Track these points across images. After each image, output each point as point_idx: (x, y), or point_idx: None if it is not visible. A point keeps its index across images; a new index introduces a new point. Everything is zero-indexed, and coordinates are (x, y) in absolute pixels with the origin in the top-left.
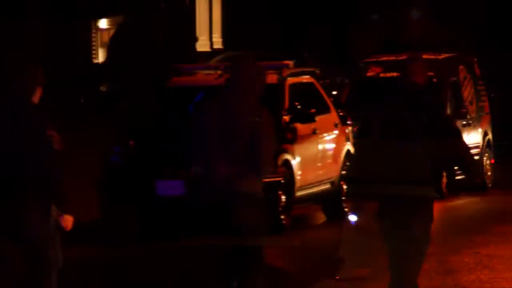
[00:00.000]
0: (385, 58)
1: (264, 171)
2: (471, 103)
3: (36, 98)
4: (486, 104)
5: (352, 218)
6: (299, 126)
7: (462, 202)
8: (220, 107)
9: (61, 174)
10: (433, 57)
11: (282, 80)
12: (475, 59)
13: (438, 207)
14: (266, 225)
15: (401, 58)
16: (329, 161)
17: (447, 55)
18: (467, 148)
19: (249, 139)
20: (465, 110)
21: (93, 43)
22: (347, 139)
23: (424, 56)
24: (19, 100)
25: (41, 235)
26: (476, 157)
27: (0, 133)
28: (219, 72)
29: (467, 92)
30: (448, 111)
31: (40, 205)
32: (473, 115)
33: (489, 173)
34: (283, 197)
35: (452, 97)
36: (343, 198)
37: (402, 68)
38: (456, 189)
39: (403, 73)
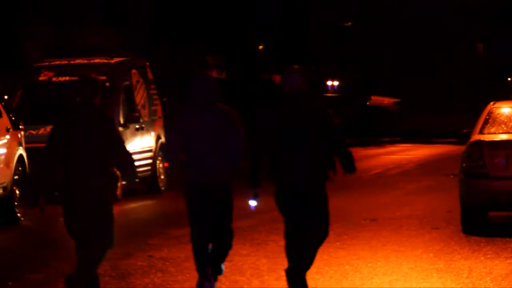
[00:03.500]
0: (57, 62)
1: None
2: (144, 107)
3: None
4: (159, 108)
5: (252, 203)
6: None
7: (137, 205)
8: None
9: None
10: (105, 61)
11: None
12: (147, 63)
13: None
14: None
15: (74, 62)
16: (1, 166)
17: (119, 59)
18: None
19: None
20: (137, 114)
21: None
22: (20, 144)
23: (97, 61)
24: None
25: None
26: (149, 161)
27: None
28: None
29: (140, 96)
30: (121, 116)
31: None
32: (146, 119)
33: (162, 177)
34: None
35: (125, 101)
36: (16, 203)
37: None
38: (131, 192)
39: None
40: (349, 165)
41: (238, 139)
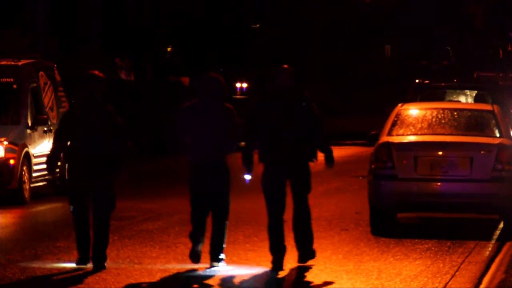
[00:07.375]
0: None
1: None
2: (51, 109)
3: None
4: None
5: (247, 177)
6: None
7: (45, 208)
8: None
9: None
10: (13, 63)
11: None
12: (55, 65)
13: (20, 214)
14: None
15: None
16: None
17: (26, 61)
18: None
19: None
20: (45, 117)
21: None
22: None
23: (3, 63)
24: None
25: None
26: (58, 163)
27: None
28: None
29: (48, 98)
30: (29, 118)
31: None
32: (54, 121)
33: None
34: None
35: (33, 104)
36: None
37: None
38: (39, 195)
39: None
40: (328, 157)
41: (234, 130)
